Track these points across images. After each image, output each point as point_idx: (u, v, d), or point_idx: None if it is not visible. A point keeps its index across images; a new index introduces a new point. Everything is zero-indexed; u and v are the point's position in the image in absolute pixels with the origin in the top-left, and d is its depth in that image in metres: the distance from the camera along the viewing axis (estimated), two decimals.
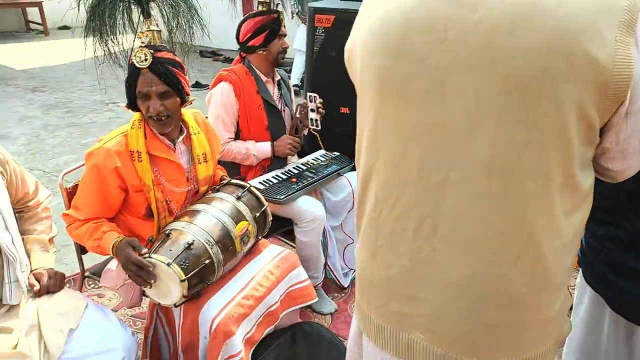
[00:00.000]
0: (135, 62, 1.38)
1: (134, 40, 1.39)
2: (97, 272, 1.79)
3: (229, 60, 7.54)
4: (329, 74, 2.87)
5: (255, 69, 2.15)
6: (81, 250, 1.77)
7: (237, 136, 2.14)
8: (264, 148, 2.13)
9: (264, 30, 2.10)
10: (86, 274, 1.82)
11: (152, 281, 1.38)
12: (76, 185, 1.68)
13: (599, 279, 1.13)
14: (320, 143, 2.26)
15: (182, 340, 1.56)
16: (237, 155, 2.10)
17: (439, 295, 0.83)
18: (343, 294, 2.35)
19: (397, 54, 0.77)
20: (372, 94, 0.84)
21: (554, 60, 0.67)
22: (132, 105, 1.46)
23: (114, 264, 1.76)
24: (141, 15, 1.32)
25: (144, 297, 1.69)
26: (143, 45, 1.38)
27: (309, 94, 2.17)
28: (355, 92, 0.91)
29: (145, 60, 1.38)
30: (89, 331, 1.38)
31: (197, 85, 5.88)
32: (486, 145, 0.73)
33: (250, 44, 2.14)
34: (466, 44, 0.71)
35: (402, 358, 0.90)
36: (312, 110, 2.14)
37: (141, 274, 1.37)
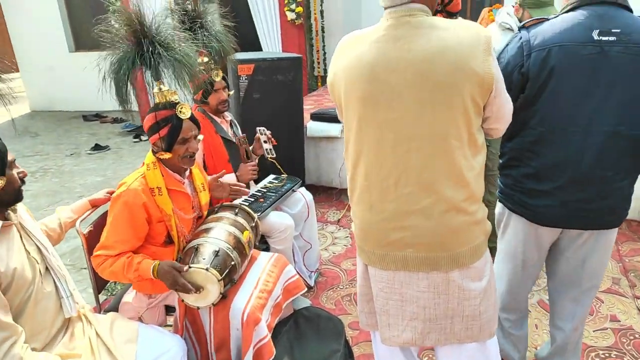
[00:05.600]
0: (179, 115, 1.74)
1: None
2: (114, 308, 1.98)
3: (118, 120, 7.52)
4: (255, 113, 3.33)
5: (210, 113, 2.53)
6: (97, 288, 1.95)
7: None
8: (229, 179, 2.49)
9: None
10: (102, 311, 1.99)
11: (199, 290, 1.69)
12: (90, 231, 1.89)
13: (519, 205, 1.73)
14: (279, 167, 2.67)
15: (215, 339, 1.85)
16: None
17: (416, 220, 1.33)
18: (312, 292, 2.75)
19: (369, 80, 1.30)
20: (356, 105, 1.34)
21: (458, 74, 1.24)
22: (169, 149, 1.77)
23: (129, 297, 1.98)
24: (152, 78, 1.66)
25: (167, 315, 1.94)
26: (176, 101, 1.75)
27: (258, 128, 2.60)
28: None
29: (186, 112, 1.75)
30: (147, 341, 1.62)
31: (97, 147, 5.86)
32: (428, 124, 1.27)
33: (196, 97, 2.52)
34: (408, 70, 1.25)
35: (402, 269, 1.38)
36: (265, 141, 2.57)
37: (186, 288, 1.67)
